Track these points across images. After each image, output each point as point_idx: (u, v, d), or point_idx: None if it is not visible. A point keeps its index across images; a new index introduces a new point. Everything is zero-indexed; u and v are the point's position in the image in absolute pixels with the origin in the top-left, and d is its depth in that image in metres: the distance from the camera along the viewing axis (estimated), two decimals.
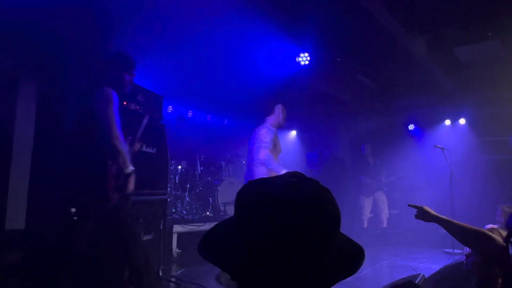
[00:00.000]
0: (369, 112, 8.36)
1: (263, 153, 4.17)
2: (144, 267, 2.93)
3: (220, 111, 7.91)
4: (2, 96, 3.53)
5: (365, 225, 7.11)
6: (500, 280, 1.88)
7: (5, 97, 3.56)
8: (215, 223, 0.80)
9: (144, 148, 3.96)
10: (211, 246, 0.74)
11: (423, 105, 7.93)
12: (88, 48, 4.06)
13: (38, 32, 3.49)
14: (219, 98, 6.67)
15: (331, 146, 8.61)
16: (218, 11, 4.26)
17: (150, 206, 3.96)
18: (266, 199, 0.68)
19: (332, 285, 0.70)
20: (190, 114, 7.52)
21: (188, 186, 6.05)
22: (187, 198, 5.94)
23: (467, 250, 2.17)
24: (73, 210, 2.67)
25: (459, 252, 5.50)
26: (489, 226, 2.39)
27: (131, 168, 2.71)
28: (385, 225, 7.21)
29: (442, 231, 2.01)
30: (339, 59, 5.97)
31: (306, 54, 5.50)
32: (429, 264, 5.22)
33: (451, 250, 5.99)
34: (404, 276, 2.70)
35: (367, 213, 7.16)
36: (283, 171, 3.90)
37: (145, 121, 3.39)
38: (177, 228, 4.86)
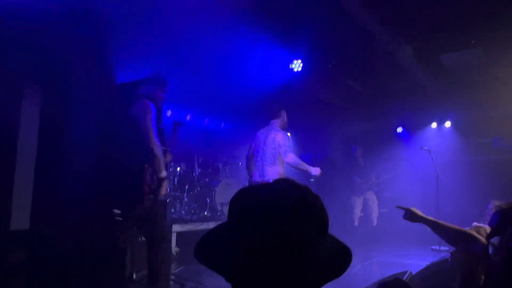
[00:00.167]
0: (360, 115, 8.38)
1: (290, 157, 4.29)
2: (163, 268, 2.95)
3: (217, 115, 7.92)
4: (8, 100, 3.53)
5: (356, 223, 7.12)
6: (483, 277, 1.90)
7: (10, 101, 3.55)
8: (213, 222, 0.82)
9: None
10: (206, 250, 0.75)
11: (411, 109, 7.96)
12: (90, 54, 4.06)
13: (42, 39, 3.48)
14: (217, 103, 6.68)
15: (324, 148, 8.63)
16: (215, 20, 4.27)
17: (150, 208, 3.94)
18: (258, 205, 0.69)
19: (321, 286, 0.71)
20: (188, 118, 7.51)
21: (186, 187, 6.04)
22: (186, 199, 5.93)
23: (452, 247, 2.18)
24: (117, 211, 2.77)
25: (446, 249, 5.53)
26: (475, 224, 2.41)
27: (164, 173, 2.82)
28: (375, 223, 7.23)
29: (430, 229, 2.03)
30: (330, 66, 6.00)
31: (299, 61, 5.52)
32: (416, 261, 5.24)
33: (437, 247, 6.01)
34: (392, 273, 2.71)
35: (358, 212, 7.18)
36: (311, 168, 3.98)
37: (176, 135, 3.58)
38: (176, 228, 4.85)
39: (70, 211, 3.72)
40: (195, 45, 4.74)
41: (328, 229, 0.73)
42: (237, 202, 0.73)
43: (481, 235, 1.97)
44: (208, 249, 0.75)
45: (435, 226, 1.97)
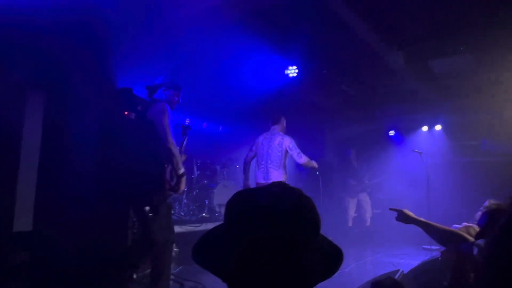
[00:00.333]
0: (353, 119, 8.41)
1: (304, 158, 4.52)
2: (166, 269, 2.94)
3: (216, 119, 7.91)
4: (12, 105, 3.52)
5: (350, 224, 7.12)
6: (472, 275, 1.90)
7: (14, 106, 3.55)
8: (211, 223, 0.81)
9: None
10: (203, 252, 0.75)
11: (402, 113, 8.00)
12: (92, 60, 4.06)
13: (45, 46, 3.48)
14: (215, 107, 6.68)
15: (319, 151, 8.64)
16: (215, 28, 4.28)
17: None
18: (252, 207, 0.70)
19: (314, 286, 0.70)
20: (187, 121, 7.49)
21: (185, 189, 6.02)
22: (185, 200, 5.91)
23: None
24: (147, 208, 2.82)
25: (436, 249, 5.53)
26: (465, 224, 2.42)
27: (182, 169, 2.92)
28: (368, 224, 7.23)
29: (421, 229, 2.03)
30: (325, 72, 6.01)
31: (294, 67, 5.53)
32: (408, 260, 5.25)
33: (429, 247, 6.01)
34: (385, 272, 2.71)
35: (352, 213, 7.18)
36: (315, 163, 4.05)
37: (186, 137, 3.76)
38: (175, 229, 4.80)
39: (71, 213, 3.71)
40: (195, 52, 4.75)
41: (320, 230, 0.73)
42: (234, 204, 0.74)
43: (470, 234, 1.97)
44: (205, 251, 0.75)
45: (426, 227, 1.98)
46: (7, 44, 3.29)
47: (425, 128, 8.21)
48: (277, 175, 4.42)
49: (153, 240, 2.90)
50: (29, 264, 3.37)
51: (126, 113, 3.87)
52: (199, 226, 5.17)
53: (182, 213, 5.63)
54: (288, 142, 4.51)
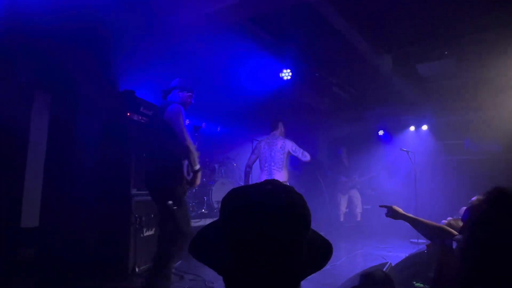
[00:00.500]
0: (344, 120, 8.44)
1: (308, 156, 4.79)
2: (172, 258, 2.93)
3: (214, 120, 7.91)
4: (19, 106, 3.51)
5: (342, 219, 7.15)
6: (455, 267, 1.92)
7: (22, 107, 3.54)
8: (210, 219, 0.82)
9: (145, 154, 3.95)
10: (199, 246, 0.75)
11: (391, 114, 8.04)
12: (96, 63, 4.05)
13: (52, 51, 3.47)
14: (213, 108, 6.68)
15: (311, 150, 8.66)
16: (213, 33, 4.29)
17: (151, 205, 3.92)
18: (246, 204, 0.70)
19: (304, 278, 0.71)
20: (187, 122, 7.48)
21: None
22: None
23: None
24: (170, 202, 2.86)
25: (423, 242, 5.57)
26: (449, 218, 2.44)
27: (198, 165, 2.97)
28: (359, 218, 7.26)
29: (409, 224, 2.06)
30: (317, 75, 6.04)
31: (288, 70, 5.54)
32: (396, 253, 5.27)
33: (416, 240, 6.05)
34: (374, 264, 2.73)
35: (343, 209, 7.21)
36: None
37: (196, 134, 3.76)
38: None
39: (76, 210, 3.71)
40: (195, 56, 4.75)
41: (311, 225, 0.74)
42: (228, 201, 0.73)
43: (453, 227, 2.00)
44: (201, 245, 0.76)
45: (414, 222, 2.00)
46: (15, 49, 3.28)
47: (412, 128, 8.25)
48: (280, 176, 4.63)
49: (182, 231, 2.92)
50: (36, 258, 3.36)
51: (128, 114, 3.86)
52: (198, 221, 5.17)
53: None
54: (290, 145, 4.73)
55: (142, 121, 4.03)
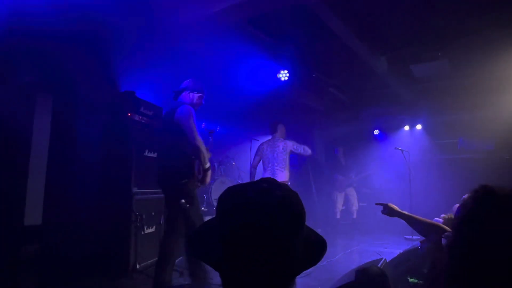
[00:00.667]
0: (341, 119, 8.44)
1: (309, 150, 4.98)
2: (172, 259, 2.93)
3: (213, 120, 7.91)
4: (22, 107, 3.50)
5: (338, 216, 7.16)
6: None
7: (24, 108, 3.52)
8: (209, 216, 0.81)
9: (146, 153, 3.94)
10: (196, 243, 0.75)
11: (386, 114, 8.04)
12: (97, 65, 4.04)
13: (53, 52, 3.46)
14: (213, 109, 6.67)
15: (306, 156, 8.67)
16: (212, 35, 4.28)
17: (151, 203, 3.93)
18: (242, 202, 0.69)
19: (299, 273, 0.71)
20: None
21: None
22: None
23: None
24: (183, 201, 2.85)
25: (417, 238, 5.58)
26: (442, 215, 2.45)
27: (208, 164, 3.00)
28: (355, 216, 7.27)
29: (403, 221, 2.06)
30: (314, 75, 6.04)
31: (286, 71, 5.53)
32: (391, 249, 5.28)
33: (410, 237, 6.07)
34: (370, 260, 2.73)
35: (340, 206, 7.21)
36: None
37: (211, 138, 3.84)
38: None
39: (78, 208, 3.70)
40: (195, 58, 4.75)
41: (305, 222, 0.73)
42: (225, 198, 0.73)
43: (446, 223, 2.00)
44: (198, 241, 0.75)
45: (409, 220, 2.01)
46: (17, 50, 3.27)
47: (406, 128, 8.26)
48: (282, 175, 4.82)
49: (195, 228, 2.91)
50: (39, 255, 3.36)
51: (129, 114, 3.85)
52: None
53: None
54: (291, 145, 4.91)
55: (143, 121, 4.03)
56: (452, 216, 2.15)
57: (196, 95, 3.26)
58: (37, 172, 3.57)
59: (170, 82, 5.01)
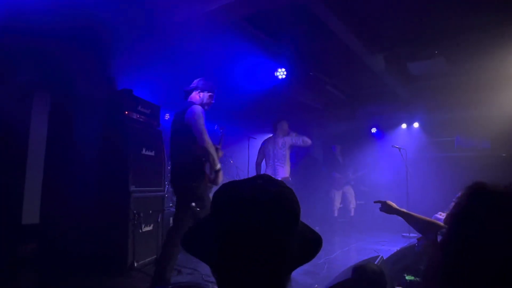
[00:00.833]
0: (338, 117, 8.45)
1: (308, 139, 5.17)
2: (175, 256, 2.93)
3: (211, 118, 7.89)
4: (20, 105, 3.49)
5: (336, 214, 7.18)
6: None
7: (22, 106, 3.51)
8: None
9: (144, 152, 3.93)
10: (191, 241, 0.75)
11: (383, 112, 8.05)
12: (94, 63, 4.03)
13: (51, 51, 3.45)
14: (211, 108, 6.66)
15: (307, 147, 8.67)
16: (210, 33, 4.27)
17: (149, 201, 3.93)
18: (237, 198, 0.69)
19: (294, 269, 0.71)
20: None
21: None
22: None
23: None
24: (193, 204, 2.86)
25: (415, 236, 5.59)
26: (439, 213, 2.46)
27: (219, 165, 2.99)
28: (352, 214, 7.30)
29: (401, 218, 2.06)
30: (311, 74, 6.03)
31: (283, 69, 5.53)
32: (388, 247, 5.30)
33: (407, 234, 6.10)
34: (367, 257, 2.73)
35: (337, 204, 7.24)
36: None
37: (222, 136, 3.86)
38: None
39: (75, 207, 3.69)
40: (192, 56, 4.73)
41: (300, 218, 0.73)
42: (219, 195, 0.73)
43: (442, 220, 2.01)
44: (192, 238, 0.75)
45: (407, 217, 2.01)
46: (15, 49, 3.25)
47: (404, 126, 8.27)
48: (283, 171, 5.02)
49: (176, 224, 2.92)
50: (37, 253, 3.35)
51: (126, 112, 3.84)
52: None
53: None
54: (289, 139, 5.12)
55: (140, 119, 4.02)
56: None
57: (206, 95, 3.25)
58: (34, 170, 3.56)
59: (167, 81, 5.02)
